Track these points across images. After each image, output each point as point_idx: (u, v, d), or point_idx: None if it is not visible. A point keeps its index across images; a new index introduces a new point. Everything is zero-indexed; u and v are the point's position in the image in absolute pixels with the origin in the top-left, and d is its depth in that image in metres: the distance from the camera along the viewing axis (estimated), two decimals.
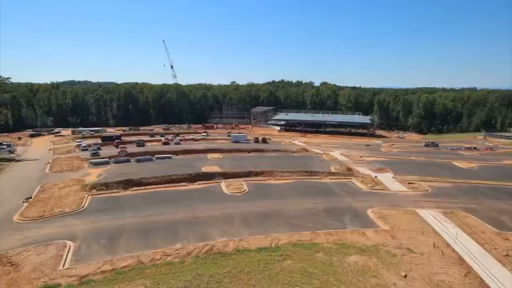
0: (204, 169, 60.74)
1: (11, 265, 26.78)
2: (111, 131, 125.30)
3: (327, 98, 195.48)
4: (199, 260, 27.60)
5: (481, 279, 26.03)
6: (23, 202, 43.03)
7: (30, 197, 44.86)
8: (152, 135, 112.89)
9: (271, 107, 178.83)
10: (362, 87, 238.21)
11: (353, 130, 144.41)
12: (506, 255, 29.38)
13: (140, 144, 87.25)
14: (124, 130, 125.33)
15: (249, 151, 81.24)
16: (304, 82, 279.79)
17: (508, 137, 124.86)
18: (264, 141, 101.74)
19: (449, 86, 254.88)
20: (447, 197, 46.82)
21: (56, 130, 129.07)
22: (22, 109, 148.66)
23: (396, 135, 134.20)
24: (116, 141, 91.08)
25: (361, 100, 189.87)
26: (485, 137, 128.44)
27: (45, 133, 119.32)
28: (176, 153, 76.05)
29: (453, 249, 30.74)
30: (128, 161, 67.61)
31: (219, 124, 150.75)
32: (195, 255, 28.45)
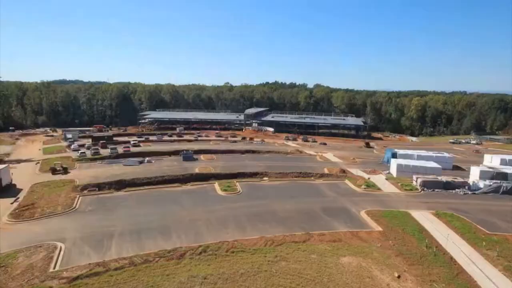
0: (198, 170, 60.52)
1: (0, 267, 26.18)
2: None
3: (320, 100, 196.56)
4: (193, 262, 27.35)
5: (473, 279, 26.35)
6: (11, 203, 42.08)
7: (20, 198, 43.96)
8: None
9: (265, 109, 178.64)
10: (355, 89, 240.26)
11: (346, 132, 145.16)
12: (497, 256, 29.80)
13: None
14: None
15: (242, 152, 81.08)
16: (297, 84, 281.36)
17: (497, 140, 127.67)
18: None
19: (440, 89, 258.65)
20: (439, 198, 47.35)
21: (46, 129, 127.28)
22: (12, 108, 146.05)
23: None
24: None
25: (355, 102, 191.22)
26: (480, 142, 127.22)
27: (35, 132, 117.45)
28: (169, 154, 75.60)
29: (445, 249, 31.08)
30: (120, 162, 66.82)
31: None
32: (189, 257, 28.18)
